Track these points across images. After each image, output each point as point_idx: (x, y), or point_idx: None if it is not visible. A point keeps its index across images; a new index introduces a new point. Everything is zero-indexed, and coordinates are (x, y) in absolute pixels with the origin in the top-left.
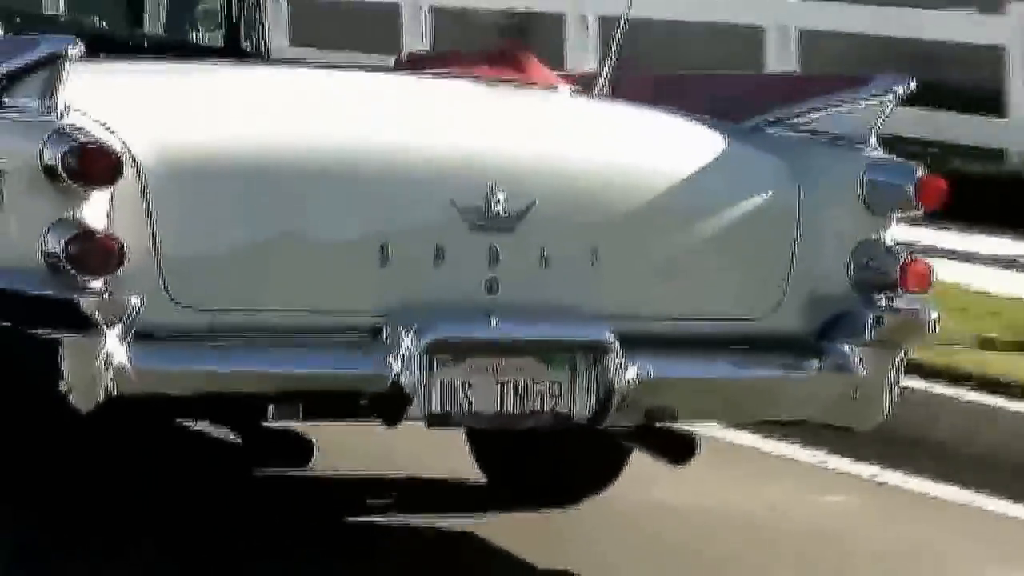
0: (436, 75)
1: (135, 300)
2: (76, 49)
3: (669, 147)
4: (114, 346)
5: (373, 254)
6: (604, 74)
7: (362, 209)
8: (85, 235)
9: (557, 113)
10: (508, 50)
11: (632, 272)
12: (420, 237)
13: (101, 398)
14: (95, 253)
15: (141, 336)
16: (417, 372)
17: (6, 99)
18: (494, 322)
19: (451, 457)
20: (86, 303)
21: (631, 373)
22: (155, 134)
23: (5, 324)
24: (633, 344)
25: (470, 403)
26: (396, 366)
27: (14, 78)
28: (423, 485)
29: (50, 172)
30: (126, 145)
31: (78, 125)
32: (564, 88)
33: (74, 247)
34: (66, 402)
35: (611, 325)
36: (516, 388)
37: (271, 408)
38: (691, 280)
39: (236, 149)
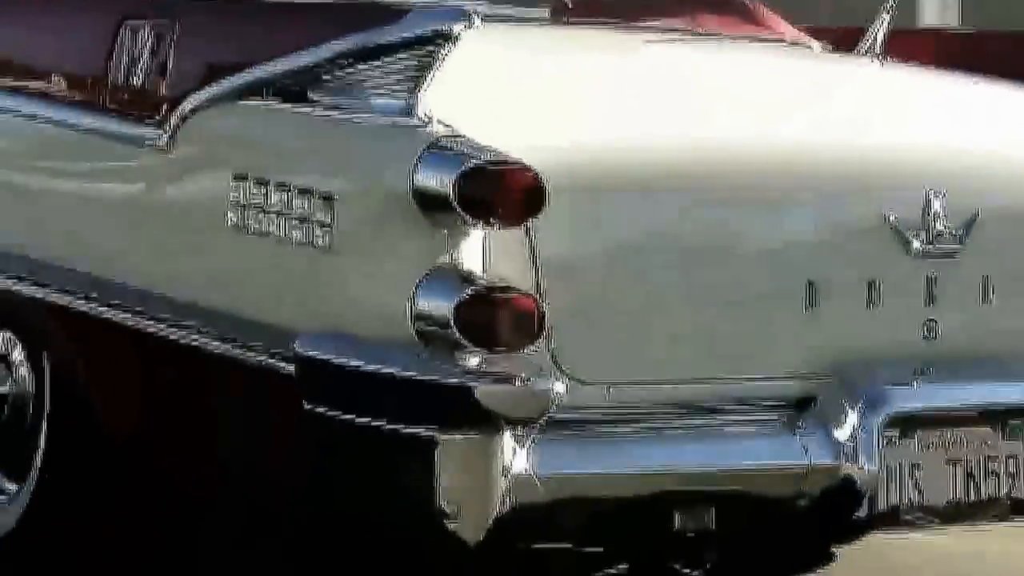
0: (704, 36)
1: (558, 386)
2: (463, 24)
3: None
4: (515, 448)
5: (799, 295)
6: (880, 29)
7: (789, 233)
8: (490, 293)
9: (904, 86)
10: None
11: None
12: (852, 268)
13: (493, 522)
14: (509, 319)
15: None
16: (874, 458)
17: (337, 96)
18: (939, 381)
19: None
20: (489, 391)
21: None
22: (546, 144)
23: (350, 418)
24: None
25: (920, 494)
26: (846, 452)
27: (361, 59)
28: None
29: (430, 201)
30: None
31: (467, 136)
32: (815, 44)
33: (473, 309)
34: (444, 530)
35: None
36: (968, 469)
37: (677, 517)
38: None
39: (634, 163)
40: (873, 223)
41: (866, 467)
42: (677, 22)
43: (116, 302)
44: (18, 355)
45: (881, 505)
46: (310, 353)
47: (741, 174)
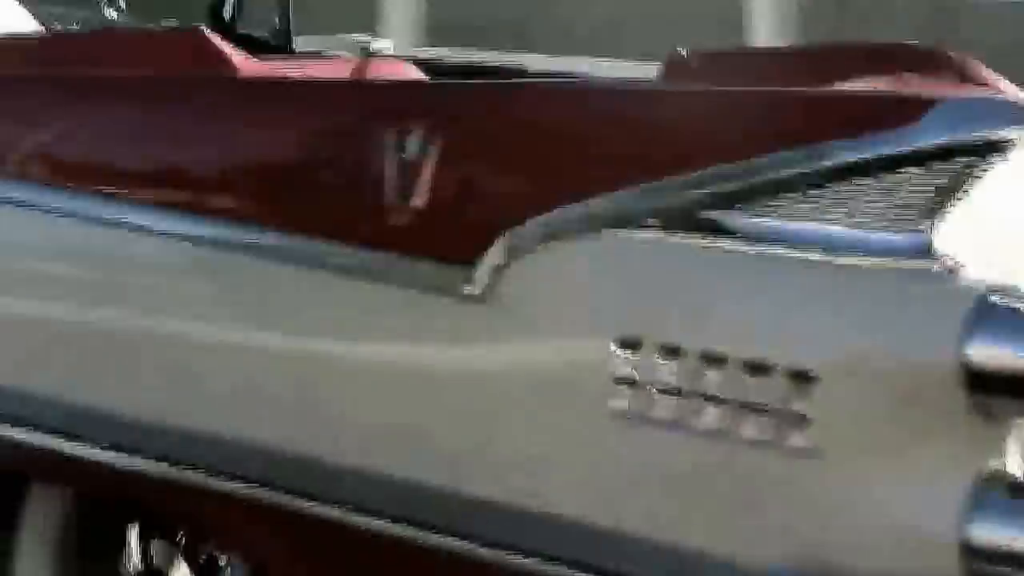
0: None
1: None
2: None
3: None
4: None
5: None
6: None
7: None
8: None
9: None
10: (914, 48)
11: None
12: None
13: None
14: None
15: None
16: None
17: (790, 227)
18: None
19: None
20: None
21: None
22: None
23: None
24: None
25: None
26: None
27: (843, 173)
28: None
29: (991, 384)
30: None
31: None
32: None
33: None
34: None
35: None
36: None
37: None
38: None
39: None
40: None
41: None
42: (880, 83)
43: (400, 513)
44: None
45: None
46: None
47: None
